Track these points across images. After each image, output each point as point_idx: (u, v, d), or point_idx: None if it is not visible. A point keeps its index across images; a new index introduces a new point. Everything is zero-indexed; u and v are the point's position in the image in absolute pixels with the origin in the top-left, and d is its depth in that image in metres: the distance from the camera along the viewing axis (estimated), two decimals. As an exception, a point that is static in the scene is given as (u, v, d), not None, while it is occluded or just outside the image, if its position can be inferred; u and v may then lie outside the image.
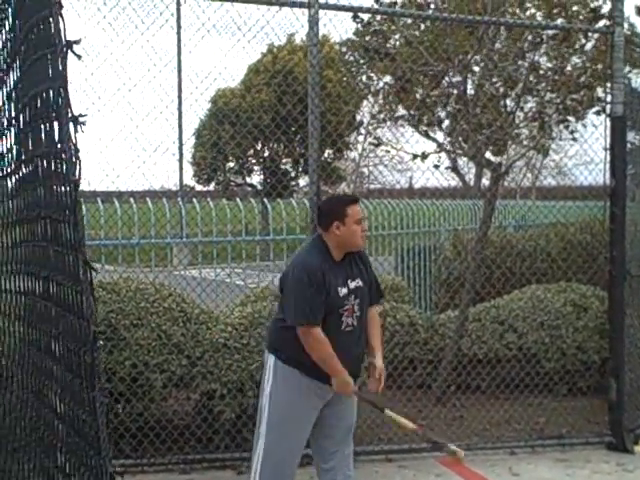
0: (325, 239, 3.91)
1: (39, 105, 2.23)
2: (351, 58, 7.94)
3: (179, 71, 9.46)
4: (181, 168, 10.79)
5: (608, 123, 6.06)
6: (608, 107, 6.14)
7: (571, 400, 6.54)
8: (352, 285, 3.87)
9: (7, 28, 2.79)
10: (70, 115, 1.93)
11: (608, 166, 6.05)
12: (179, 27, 7.66)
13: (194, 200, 7.73)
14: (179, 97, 9.35)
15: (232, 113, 13.45)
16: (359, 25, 7.08)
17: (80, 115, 1.93)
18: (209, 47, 6.57)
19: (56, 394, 2.32)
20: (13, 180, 2.79)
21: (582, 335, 6.71)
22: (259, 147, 18.48)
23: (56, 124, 2.05)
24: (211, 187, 18.69)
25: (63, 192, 2.03)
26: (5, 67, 2.82)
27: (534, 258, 7.61)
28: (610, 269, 6.01)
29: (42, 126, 2.21)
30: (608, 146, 6.03)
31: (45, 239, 2.32)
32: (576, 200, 8.55)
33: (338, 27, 5.99)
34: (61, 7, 1.99)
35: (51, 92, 2.08)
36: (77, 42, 1.96)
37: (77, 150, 1.92)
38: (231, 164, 18.88)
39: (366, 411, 5.92)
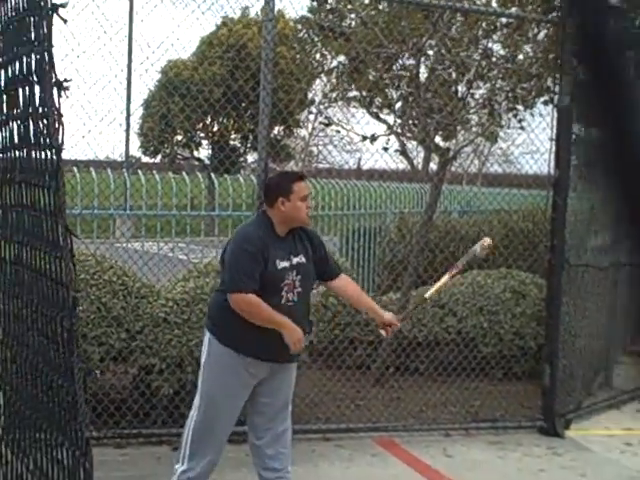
0: (269, 214, 3.91)
1: (19, 68, 2.16)
2: (305, 36, 7.88)
3: (130, 40, 9.28)
4: (127, 139, 10.63)
5: (555, 114, 6.14)
6: (556, 98, 6.22)
7: (506, 384, 6.66)
8: (294, 261, 3.87)
9: None
10: (54, 80, 1.87)
11: (553, 156, 6.14)
12: (131, -6, 7.50)
13: (139, 172, 7.61)
14: (129, 66, 9.19)
15: (182, 85, 13.26)
16: (315, 2, 7.02)
17: (65, 80, 1.87)
18: (162, 17, 6.44)
19: (27, 360, 2.28)
20: None
21: (520, 321, 6.83)
22: (208, 121, 18.28)
23: (37, 88, 1.98)
24: (158, 159, 18.45)
25: (43, 157, 1.97)
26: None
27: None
28: (550, 257, 6.12)
29: (21, 89, 2.14)
30: (554, 136, 6.12)
31: (21, 204, 2.26)
32: (521, 188, 8.68)
33: (294, 3, 5.93)
34: None
35: (33, 55, 2.01)
36: (63, 5, 1.90)
37: (60, 115, 1.87)
38: (179, 137, 18.66)
39: (305, 389, 5.95)
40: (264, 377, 3.92)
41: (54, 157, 1.92)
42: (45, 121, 1.95)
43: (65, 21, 1.95)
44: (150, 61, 5.96)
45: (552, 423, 5.97)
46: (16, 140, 2.26)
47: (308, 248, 3.97)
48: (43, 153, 2.00)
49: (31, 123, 2.10)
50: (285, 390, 4.02)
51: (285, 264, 3.84)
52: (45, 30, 1.92)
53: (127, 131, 10.51)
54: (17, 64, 2.17)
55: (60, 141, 1.89)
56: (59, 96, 1.90)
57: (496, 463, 5.36)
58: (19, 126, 2.22)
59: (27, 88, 2.10)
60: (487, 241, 4.21)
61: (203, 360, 3.94)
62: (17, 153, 2.28)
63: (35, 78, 2.02)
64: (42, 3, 1.93)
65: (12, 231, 2.42)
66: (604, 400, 6.70)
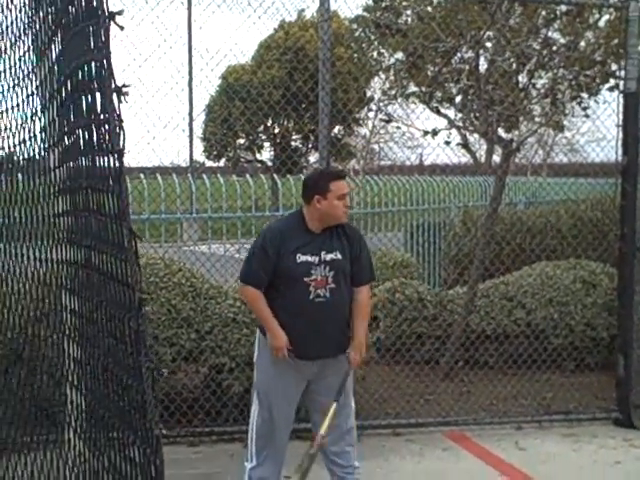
0: (304, 211, 3.94)
1: (80, 77, 2.24)
2: (362, 34, 7.90)
3: (189, 47, 9.45)
4: (191, 144, 10.81)
5: (621, 100, 6.02)
6: (621, 83, 6.09)
7: (579, 376, 6.55)
8: (328, 257, 3.86)
9: (47, 2, 2.79)
10: (114, 86, 1.93)
11: (620, 143, 6.02)
12: (189, 2, 7.64)
13: (204, 176, 7.74)
14: (189, 73, 9.35)
15: (242, 89, 13.42)
16: (370, 0, 7.03)
17: (124, 85, 1.94)
18: (220, 23, 6.54)
19: (99, 361, 2.36)
20: (56, 152, 2.80)
21: (591, 312, 6.71)
22: (269, 123, 18.44)
23: (98, 95, 2.05)
24: (221, 163, 18.69)
25: (106, 162, 2.04)
26: (47, 41, 2.82)
27: (544, 235, 7.60)
28: (620, 246, 5.99)
29: (84, 98, 2.22)
30: (621, 123, 5.99)
31: (87, 209, 2.35)
32: (587, 177, 8.52)
33: (349, 2, 5.94)
34: None
35: (93, 64, 2.09)
36: (120, 13, 1.96)
37: (121, 120, 1.93)
38: (241, 140, 18.87)
39: (374, 385, 5.96)
40: (316, 374, 3.96)
41: (116, 162, 1.98)
42: (107, 127, 2.01)
43: (122, 28, 2.01)
44: (210, 67, 6.08)
45: (627, 414, 5.84)
46: (81, 147, 2.33)
47: (346, 246, 3.94)
48: (106, 158, 2.06)
49: (94, 130, 2.16)
50: (336, 389, 3.98)
51: (310, 259, 3.84)
52: (103, 38, 1.98)
53: (190, 136, 10.70)
54: (79, 73, 2.24)
55: (121, 146, 1.95)
56: (119, 102, 1.95)
57: (570, 456, 5.28)
58: (83, 133, 2.29)
59: (89, 96, 2.17)
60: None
61: (255, 359, 4.07)
62: (83, 160, 2.36)
63: (96, 85, 2.09)
64: (99, 12, 1.99)
65: (82, 235, 2.50)
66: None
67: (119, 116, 1.93)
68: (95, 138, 2.15)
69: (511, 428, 5.81)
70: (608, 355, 6.58)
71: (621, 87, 6.12)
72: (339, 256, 3.90)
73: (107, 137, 2.00)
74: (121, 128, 1.92)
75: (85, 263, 2.48)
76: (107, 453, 2.36)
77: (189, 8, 8.17)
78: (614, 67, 6.89)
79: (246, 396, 5.37)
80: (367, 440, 5.32)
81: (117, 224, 1.98)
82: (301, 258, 3.83)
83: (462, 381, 6.48)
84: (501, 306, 6.80)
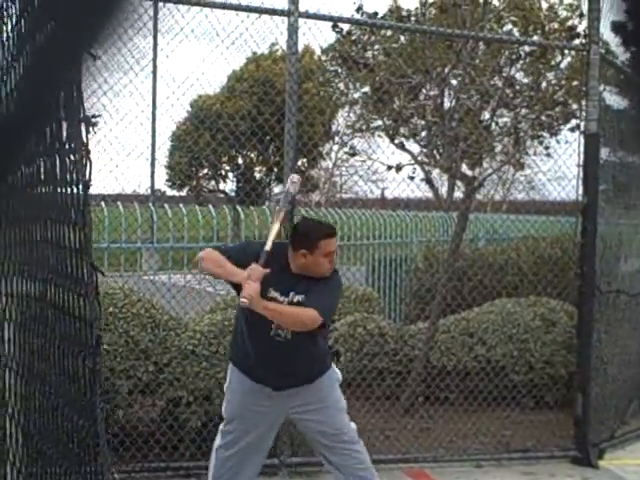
0: (289, 252, 3.85)
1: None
2: (330, 67, 7.95)
3: (154, 75, 9.39)
4: (153, 172, 10.71)
5: (582, 140, 6.11)
6: (582, 124, 6.19)
7: (537, 414, 6.56)
8: (295, 298, 3.78)
9: (10, 26, 2.72)
10: (82, 115, 1.87)
11: (581, 182, 6.10)
12: (156, 31, 7.61)
13: (166, 205, 7.67)
14: (153, 102, 9.29)
15: (208, 120, 13.41)
16: (339, 35, 7.08)
17: (94, 116, 1.88)
18: (187, 52, 6.53)
19: (49, 398, 2.27)
20: (10, 178, 2.71)
21: (550, 349, 6.75)
22: (233, 154, 18.42)
23: (65, 124, 1.97)
24: (183, 193, 18.59)
25: (69, 193, 1.96)
26: (6, 65, 2.76)
27: (505, 271, 7.65)
28: (580, 285, 6.05)
29: (47, 125, 2.15)
30: (581, 162, 6.08)
31: (45, 240, 2.26)
32: (547, 215, 8.61)
33: (318, 36, 5.96)
34: None
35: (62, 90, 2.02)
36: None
37: (88, 151, 1.87)
38: (205, 170, 18.81)
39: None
40: (291, 403, 3.91)
41: (81, 193, 1.91)
42: (72, 157, 1.95)
43: (95, 57, 1.97)
44: (176, 96, 6.04)
45: (586, 453, 5.86)
46: (42, 176, 2.25)
47: (312, 287, 3.83)
48: (69, 189, 1.99)
49: (57, 159, 2.09)
50: (324, 419, 3.92)
51: (280, 297, 3.77)
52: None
53: (152, 165, 10.60)
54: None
55: (88, 177, 1.89)
56: (87, 132, 1.90)
57: (529, 494, 5.27)
58: (45, 162, 2.21)
59: (54, 124, 2.10)
60: (295, 177, 4.10)
61: (226, 386, 4.03)
62: (43, 189, 2.28)
63: (62, 114, 2.02)
64: None
65: (37, 268, 2.42)
66: (638, 429, 6.57)
67: (86, 146, 1.88)
68: (59, 167, 2.07)
69: (471, 466, 5.79)
70: (566, 393, 6.60)
71: (582, 128, 6.22)
72: (305, 300, 3.81)
73: (72, 167, 1.94)
74: (88, 159, 1.86)
75: (39, 296, 2.40)
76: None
77: (155, 36, 8.14)
78: (575, 107, 7.02)
79: (203, 431, 5.27)
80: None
81: (78, 257, 1.92)
82: (271, 293, 3.76)
83: (422, 417, 6.45)
84: (462, 342, 6.80)
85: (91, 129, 1.90)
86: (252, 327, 3.81)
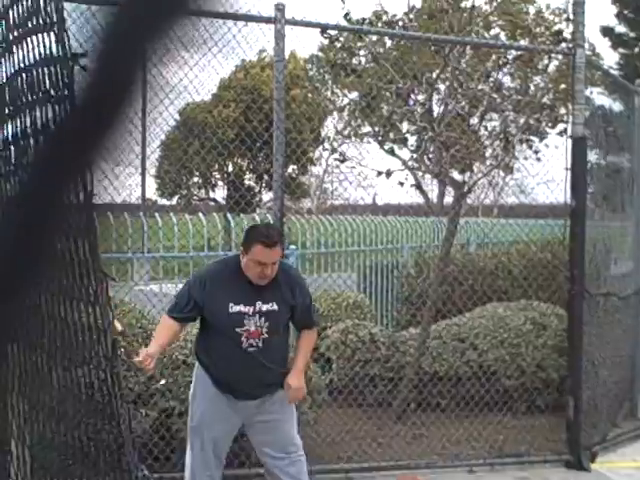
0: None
1: (32, 120, 2.17)
2: (317, 74, 7.95)
3: (144, 84, 9.38)
4: (143, 182, 10.68)
5: (569, 143, 6.13)
6: (569, 128, 6.21)
7: (530, 418, 6.56)
8: (263, 308, 3.78)
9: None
10: None
11: (569, 185, 6.11)
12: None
13: (156, 215, 7.66)
14: (143, 110, 9.28)
15: (196, 127, 13.40)
16: (326, 41, 7.09)
17: None
18: (175, 61, 6.51)
19: (71, 406, 2.27)
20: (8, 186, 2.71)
21: (541, 353, 6.75)
22: (223, 162, 18.41)
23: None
24: (174, 201, 18.56)
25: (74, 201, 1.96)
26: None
27: (495, 276, 7.66)
28: (570, 288, 6.06)
29: (34, 141, 2.15)
30: (569, 166, 6.10)
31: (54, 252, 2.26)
32: (538, 218, 8.63)
33: (305, 43, 5.97)
34: (63, 22, 1.94)
35: (50, 106, 2.02)
36: (84, 55, 1.91)
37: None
38: (195, 178, 18.78)
39: (326, 428, 5.88)
40: (254, 412, 3.95)
41: (86, 201, 1.91)
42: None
43: (84, 69, 1.96)
44: (165, 104, 6.03)
45: (578, 456, 5.86)
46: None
47: (286, 296, 3.85)
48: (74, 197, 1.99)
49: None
50: (273, 430, 4.00)
51: (244, 309, 3.76)
52: (66, 80, 1.91)
53: (143, 174, 10.58)
54: (31, 115, 2.17)
55: (90, 185, 1.89)
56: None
57: (523, 499, 5.26)
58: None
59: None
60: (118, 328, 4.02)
61: (190, 395, 4.13)
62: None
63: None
64: (60, 53, 1.93)
65: (45, 282, 2.41)
66: (630, 431, 6.58)
67: None
68: None
69: (464, 471, 5.78)
70: (558, 397, 6.61)
71: (569, 132, 6.24)
72: (275, 307, 3.81)
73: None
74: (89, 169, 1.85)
75: (50, 313, 2.39)
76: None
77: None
78: (562, 111, 7.04)
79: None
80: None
81: (86, 266, 1.92)
82: (234, 308, 3.74)
83: (414, 424, 6.43)
84: (453, 347, 6.79)
85: None
86: (223, 344, 3.83)
